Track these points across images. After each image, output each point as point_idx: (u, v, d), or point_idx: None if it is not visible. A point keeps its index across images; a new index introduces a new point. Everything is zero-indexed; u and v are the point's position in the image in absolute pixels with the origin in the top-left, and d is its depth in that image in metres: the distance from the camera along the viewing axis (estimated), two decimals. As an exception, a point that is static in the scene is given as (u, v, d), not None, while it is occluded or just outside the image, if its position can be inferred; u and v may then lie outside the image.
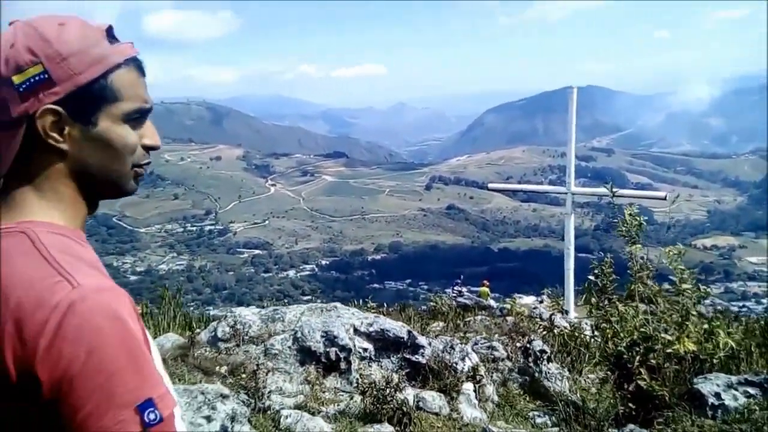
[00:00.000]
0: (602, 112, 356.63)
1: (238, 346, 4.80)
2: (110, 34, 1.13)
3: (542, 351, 6.02)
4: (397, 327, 5.00)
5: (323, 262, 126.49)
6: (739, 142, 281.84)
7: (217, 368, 4.36)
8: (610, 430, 4.40)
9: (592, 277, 5.30)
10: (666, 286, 5.23)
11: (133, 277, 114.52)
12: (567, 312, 10.54)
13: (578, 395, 5.97)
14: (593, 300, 5.31)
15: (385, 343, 4.96)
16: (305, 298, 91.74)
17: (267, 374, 4.22)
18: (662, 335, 4.72)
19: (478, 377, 5.02)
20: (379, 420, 4.02)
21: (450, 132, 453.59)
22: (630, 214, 5.07)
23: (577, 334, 6.25)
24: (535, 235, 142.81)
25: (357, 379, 4.55)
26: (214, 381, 4.16)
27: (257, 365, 4.30)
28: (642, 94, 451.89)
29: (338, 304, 5.52)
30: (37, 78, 1.00)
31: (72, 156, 1.07)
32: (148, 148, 1.30)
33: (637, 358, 4.75)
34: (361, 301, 9.30)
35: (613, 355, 5.06)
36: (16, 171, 1.04)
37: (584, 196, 15.87)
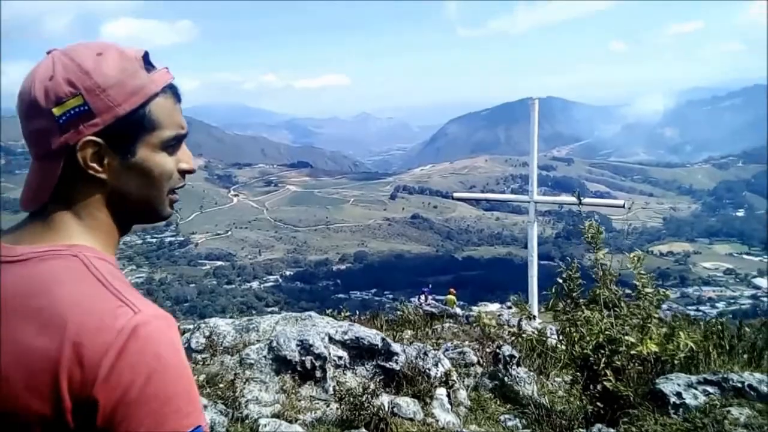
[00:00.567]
0: (562, 123, 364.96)
1: (213, 356, 4.80)
2: (146, 61, 1.14)
3: (511, 356, 6.17)
4: (371, 334, 5.07)
5: (287, 273, 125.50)
6: (692, 151, 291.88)
7: (195, 377, 4.35)
8: (578, 429, 4.56)
9: (560, 281, 5.48)
10: (627, 290, 5.46)
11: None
12: (534, 317, 10.80)
13: (546, 398, 6.14)
14: (560, 304, 5.49)
15: (359, 351, 5.02)
16: (269, 309, 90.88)
17: (244, 384, 4.24)
18: (626, 338, 4.92)
19: (450, 382, 5.12)
20: (356, 426, 4.08)
21: (414, 142, 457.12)
22: (590, 225, 5.29)
23: (543, 339, 6.42)
24: (498, 244, 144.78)
25: (333, 386, 4.59)
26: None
27: (234, 375, 4.31)
28: (599, 105, 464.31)
29: (313, 313, 5.57)
30: (77, 110, 1.01)
31: (111, 185, 1.08)
32: (184, 173, 1.29)
33: (603, 360, 4.93)
34: (334, 310, 9.32)
35: (580, 357, 5.25)
36: (56, 196, 1.06)
37: (546, 204, 16.34)
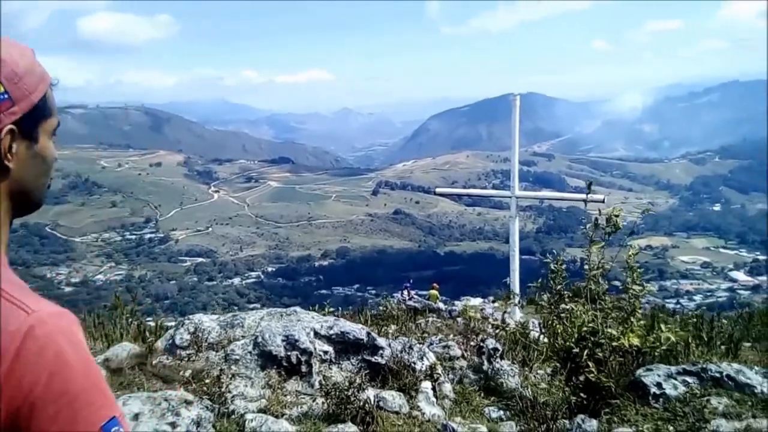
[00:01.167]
0: (542, 119, 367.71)
1: (197, 352, 4.76)
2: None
3: (495, 349, 6.23)
4: (356, 329, 5.08)
5: (269, 269, 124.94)
6: (670, 147, 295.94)
7: (178, 375, 4.32)
8: (562, 420, 4.62)
9: (545, 274, 5.53)
10: (613, 283, 5.54)
11: (68, 289, 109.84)
12: (519, 306, 10.93)
13: (530, 389, 6.21)
14: (546, 297, 5.55)
15: (345, 346, 5.03)
16: (251, 306, 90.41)
17: (230, 379, 4.22)
18: (608, 330, 5.00)
19: (435, 376, 5.16)
20: (343, 420, 4.09)
21: (396, 137, 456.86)
22: (613, 215, 5.28)
23: (526, 332, 6.50)
24: (480, 239, 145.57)
25: (319, 381, 4.60)
26: (176, 388, 4.13)
27: (220, 371, 4.29)
28: (580, 101, 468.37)
29: (298, 308, 5.56)
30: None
31: (14, 174, 1.07)
32: None
33: (585, 352, 5.00)
34: (318, 306, 9.30)
35: (563, 350, 5.32)
36: None
37: (527, 199, 16.42)
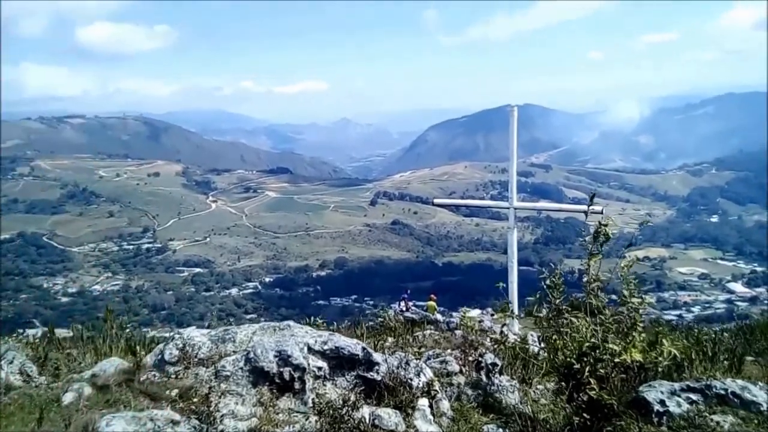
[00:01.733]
0: (540, 130, 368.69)
1: (187, 369, 4.61)
2: None
3: (494, 364, 6.08)
4: (351, 344, 4.93)
5: (267, 280, 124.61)
6: (667, 158, 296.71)
7: (166, 393, 4.17)
8: (563, 440, 4.47)
9: (543, 288, 5.39)
10: (611, 296, 5.40)
11: (64, 299, 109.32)
12: (517, 318, 10.77)
13: (530, 407, 6.05)
14: (543, 311, 5.41)
15: (339, 361, 4.88)
16: (248, 316, 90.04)
17: (219, 397, 4.07)
18: (610, 345, 4.85)
19: (432, 392, 5.01)
20: (336, 440, 3.94)
21: (394, 148, 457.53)
22: (601, 225, 5.15)
23: (526, 347, 6.35)
24: (478, 249, 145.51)
25: (312, 399, 4.44)
26: (163, 406, 3.97)
27: (209, 388, 4.14)
28: (577, 113, 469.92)
29: (292, 323, 5.41)
30: None
31: None
32: None
33: (587, 368, 4.85)
34: (311, 318, 9.16)
35: (563, 366, 5.17)
36: None
37: (525, 210, 16.33)
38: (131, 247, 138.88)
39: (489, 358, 6.04)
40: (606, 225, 5.32)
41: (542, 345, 6.82)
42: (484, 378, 5.75)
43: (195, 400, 3.96)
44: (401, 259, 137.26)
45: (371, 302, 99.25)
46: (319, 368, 4.77)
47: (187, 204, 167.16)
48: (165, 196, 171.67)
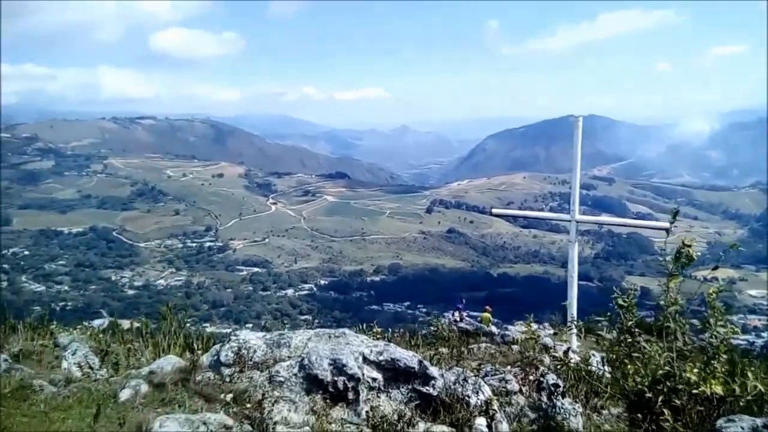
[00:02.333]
0: (603, 142, 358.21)
1: (242, 371, 4.57)
2: None
3: (555, 385, 5.78)
4: (408, 356, 4.77)
5: (322, 282, 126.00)
6: (739, 175, 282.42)
7: (221, 395, 4.12)
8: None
9: (616, 308, 5.07)
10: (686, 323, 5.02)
11: (130, 292, 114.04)
12: (577, 336, 10.33)
13: (592, 432, 5.72)
14: (614, 333, 5.09)
15: (395, 373, 4.72)
16: (303, 317, 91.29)
17: (273, 404, 3.99)
18: (687, 375, 4.50)
19: (491, 412, 4.78)
20: (390, 457, 3.79)
21: (452, 156, 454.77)
22: (685, 246, 4.80)
23: (591, 370, 6.02)
24: (534, 261, 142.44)
25: (366, 411, 4.30)
26: (217, 409, 3.93)
27: (263, 394, 4.07)
28: (643, 125, 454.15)
29: (347, 331, 5.30)
30: None
31: None
32: None
33: (660, 397, 4.52)
34: (364, 324, 9.05)
35: (633, 392, 4.84)
36: None
37: (586, 224, 15.70)
38: (194, 244, 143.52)
39: (551, 378, 5.74)
40: (690, 246, 4.97)
41: (607, 368, 6.46)
42: (545, 399, 5.47)
43: (248, 405, 3.90)
44: (455, 268, 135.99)
45: (424, 309, 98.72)
46: (374, 379, 4.63)
47: (248, 205, 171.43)
48: (227, 196, 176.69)
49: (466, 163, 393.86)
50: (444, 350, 9.26)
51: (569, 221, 12.79)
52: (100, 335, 7.25)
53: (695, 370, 4.56)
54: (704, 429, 4.74)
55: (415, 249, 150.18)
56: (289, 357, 4.80)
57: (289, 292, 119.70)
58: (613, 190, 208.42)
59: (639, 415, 4.44)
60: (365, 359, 4.71)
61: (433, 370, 4.81)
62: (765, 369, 6.59)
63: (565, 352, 5.77)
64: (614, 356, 5.39)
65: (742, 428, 4.78)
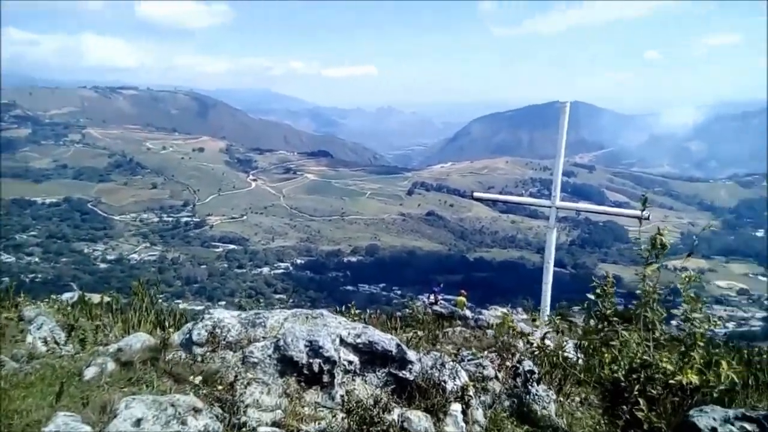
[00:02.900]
0: (586, 129, 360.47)
1: (214, 351, 4.45)
2: None
3: (531, 371, 5.77)
4: (386, 340, 4.69)
5: (298, 261, 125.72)
6: (717, 167, 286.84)
7: (191, 376, 4.00)
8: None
9: (592, 296, 5.04)
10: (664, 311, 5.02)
11: (102, 265, 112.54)
12: (549, 321, 10.37)
13: (565, 419, 5.73)
14: (591, 321, 5.06)
15: (372, 356, 4.64)
16: (277, 296, 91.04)
17: (245, 386, 3.88)
18: (664, 364, 4.49)
19: (466, 398, 4.73)
20: (364, 442, 3.71)
21: (436, 138, 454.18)
22: (660, 233, 4.78)
23: (567, 356, 6.00)
24: (511, 247, 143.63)
25: (341, 395, 4.22)
26: (187, 390, 3.81)
27: (235, 375, 3.95)
28: (627, 114, 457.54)
29: (325, 312, 5.20)
30: None
31: None
32: None
33: (636, 386, 4.51)
34: (343, 306, 8.96)
35: (609, 381, 4.83)
36: None
37: (564, 210, 15.73)
38: (171, 219, 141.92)
39: (527, 365, 5.72)
40: (662, 234, 4.96)
41: (581, 355, 6.46)
42: (521, 386, 5.45)
43: (220, 387, 3.78)
44: (433, 251, 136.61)
45: (399, 292, 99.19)
46: (350, 362, 4.54)
47: (227, 181, 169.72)
48: (207, 171, 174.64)
49: (450, 145, 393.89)
50: (420, 333, 9.22)
51: (549, 207, 12.80)
52: (69, 309, 7.05)
53: (672, 360, 4.56)
54: (677, 419, 4.77)
55: (394, 231, 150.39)
56: (264, 337, 4.68)
57: (265, 270, 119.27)
58: (593, 177, 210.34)
59: (613, 403, 4.43)
60: (342, 341, 4.62)
61: (411, 354, 4.75)
62: (737, 359, 6.67)
63: (542, 338, 5.74)
64: (588, 344, 5.39)
65: (714, 419, 4.81)
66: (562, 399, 6.16)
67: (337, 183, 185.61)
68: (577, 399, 6.40)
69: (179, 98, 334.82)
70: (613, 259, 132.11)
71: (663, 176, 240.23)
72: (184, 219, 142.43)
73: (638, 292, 4.99)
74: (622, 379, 4.60)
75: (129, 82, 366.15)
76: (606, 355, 4.82)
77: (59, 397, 3.44)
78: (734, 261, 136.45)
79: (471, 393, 4.81)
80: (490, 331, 11.16)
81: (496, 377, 5.60)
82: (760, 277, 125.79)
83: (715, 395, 4.86)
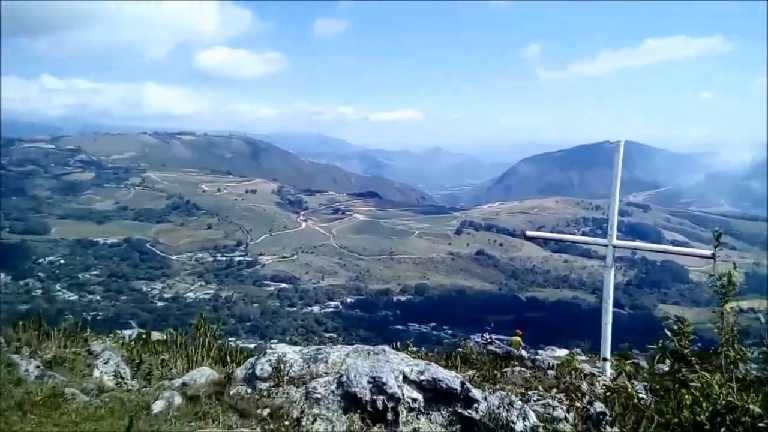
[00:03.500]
0: (640, 168, 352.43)
1: (278, 386, 4.41)
2: None
3: (602, 413, 5.47)
4: (450, 377, 4.55)
5: (348, 300, 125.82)
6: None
7: (256, 411, 3.97)
8: None
9: (669, 335, 4.78)
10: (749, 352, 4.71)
11: (160, 303, 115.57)
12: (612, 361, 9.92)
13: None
14: (667, 361, 4.79)
15: (435, 394, 4.51)
16: (328, 334, 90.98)
17: (311, 423, 3.81)
18: (751, 406, 4.18)
19: (536, 440, 4.51)
20: (432, 483, 3.56)
21: (484, 178, 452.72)
22: (733, 270, 4.55)
23: (640, 398, 5.69)
24: (564, 286, 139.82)
25: (406, 433, 4.10)
26: (253, 425, 3.77)
27: (301, 411, 3.90)
28: (683, 153, 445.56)
29: (386, 348, 5.10)
30: None
31: None
32: None
33: (722, 430, 4.21)
34: (397, 343, 8.84)
35: (690, 423, 4.52)
36: None
37: (620, 250, 15.20)
38: (224, 258, 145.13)
39: (598, 406, 5.44)
40: (736, 269, 4.72)
41: (654, 397, 6.12)
42: (592, 428, 5.17)
43: (286, 422, 3.73)
44: (483, 290, 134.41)
45: (450, 331, 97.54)
46: (414, 400, 4.42)
47: (279, 221, 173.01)
48: (259, 212, 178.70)
49: (498, 185, 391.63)
50: (475, 373, 8.97)
51: (606, 245, 12.40)
52: (132, 344, 7.20)
53: (759, 402, 4.25)
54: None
55: (443, 270, 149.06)
56: (326, 373, 4.62)
57: (315, 308, 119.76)
58: (649, 216, 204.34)
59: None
60: (405, 378, 4.51)
61: (476, 393, 4.58)
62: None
63: (614, 379, 5.47)
64: (660, 386, 5.09)
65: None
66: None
67: (386, 223, 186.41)
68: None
69: (233, 142, 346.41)
70: (674, 300, 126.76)
71: (723, 215, 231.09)
72: (237, 258, 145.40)
73: (716, 330, 4.72)
74: (705, 422, 4.30)
75: (187, 128, 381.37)
76: (686, 396, 4.53)
77: (129, 429, 3.45)
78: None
79: (541, 435, 4.58)
80: (551, 372, 10.78)
81: (566, 419, 5.34)
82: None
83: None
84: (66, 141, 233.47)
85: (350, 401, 4.22)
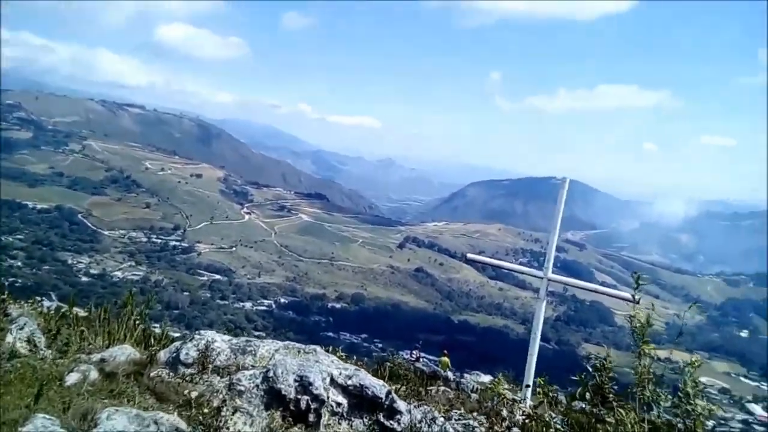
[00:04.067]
0: (580, 208, 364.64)
1: (201, 374, 4.28)
2: None
3: (519, 439, 5.58)
4: (377, 385, 4.54)
5: (282, 300, 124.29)
6: (705, 262, 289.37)
7: (175, 396, 3.84)
8: None
9: (591, 370, 4.93)
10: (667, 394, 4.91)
11: (84, 278, 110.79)
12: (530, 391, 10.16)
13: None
14: (587, 396, 4.93)
15: (360, 401, 4.48)
16: (256, 333, 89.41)
17: (231, 414, 3.71)
18: (659, 448, 4.36)
19: (453, 457, 4.55)
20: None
21: (432, 196, 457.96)
22: (638, 315, 4.76)
23: (557, 428, 5.84)
24: (497, 314, 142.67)
25: (326, 436, 4.05)
26: (170, 410, 3.64)
27: (222, 401, 3.79)
28: (622, 199, 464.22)
29: (318, 348, 5.04)
30: None
31: None
32: None
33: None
34: (329, 347, 8.76)
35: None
36: None
37: (553, 284, 15.64)
38: (159, 241, 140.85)
39: (516, 431, 5.55)
40: (653, 314, 4.99)
41: (570, 430, 6.29)
42: (508, 453, 5.26)
43: (205, 410, 3.62)
44: (417, 308, 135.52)
45: (380, 345, 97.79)
46: (339, 404, 4.38)
47: (221, 210, 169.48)
48: (202, 198, 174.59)
49: (445, 205, 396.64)
50: (402, 386, 9.00)
51: (541, 278, 12.74)
52: (50, 315, 6.85)
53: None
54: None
55: (381, 282, 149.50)
56: (253, 366, 4.52)
57: (248, 305, 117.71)
58: (583, 256, 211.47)
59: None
60: (333, 381, 4.46)
61: (401, 404, 4.59)
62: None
63: (534, 407, 5.60)
64: (576, 421, 5.24)
65: None
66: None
67: (330, 227, 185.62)
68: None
69: (184, 123, 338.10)
70: (597, 340, 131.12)
71: (652, 264, 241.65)
72: (173, 243, 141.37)
73: (633, 373, 4.91)
74: (616, 458, 4.45)
75: (137, 100, 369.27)
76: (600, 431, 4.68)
77: (38, 399, 3.27)
78: (717, 358, 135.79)
79: (458, 453, 4.63)
80: (474, 395, 10.95)
81: (483, 440, 5.42)
82: (742, 378, 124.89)
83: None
84: (6, 95, 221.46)
85: (274, 397, 4.14)
